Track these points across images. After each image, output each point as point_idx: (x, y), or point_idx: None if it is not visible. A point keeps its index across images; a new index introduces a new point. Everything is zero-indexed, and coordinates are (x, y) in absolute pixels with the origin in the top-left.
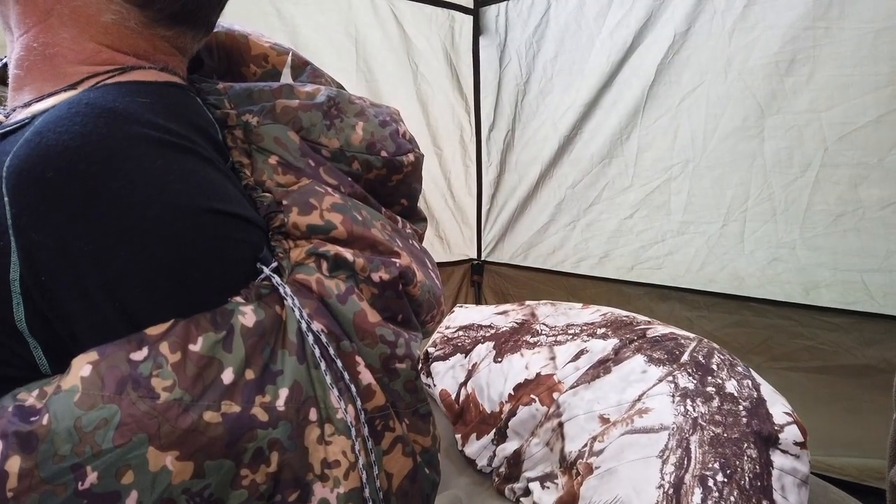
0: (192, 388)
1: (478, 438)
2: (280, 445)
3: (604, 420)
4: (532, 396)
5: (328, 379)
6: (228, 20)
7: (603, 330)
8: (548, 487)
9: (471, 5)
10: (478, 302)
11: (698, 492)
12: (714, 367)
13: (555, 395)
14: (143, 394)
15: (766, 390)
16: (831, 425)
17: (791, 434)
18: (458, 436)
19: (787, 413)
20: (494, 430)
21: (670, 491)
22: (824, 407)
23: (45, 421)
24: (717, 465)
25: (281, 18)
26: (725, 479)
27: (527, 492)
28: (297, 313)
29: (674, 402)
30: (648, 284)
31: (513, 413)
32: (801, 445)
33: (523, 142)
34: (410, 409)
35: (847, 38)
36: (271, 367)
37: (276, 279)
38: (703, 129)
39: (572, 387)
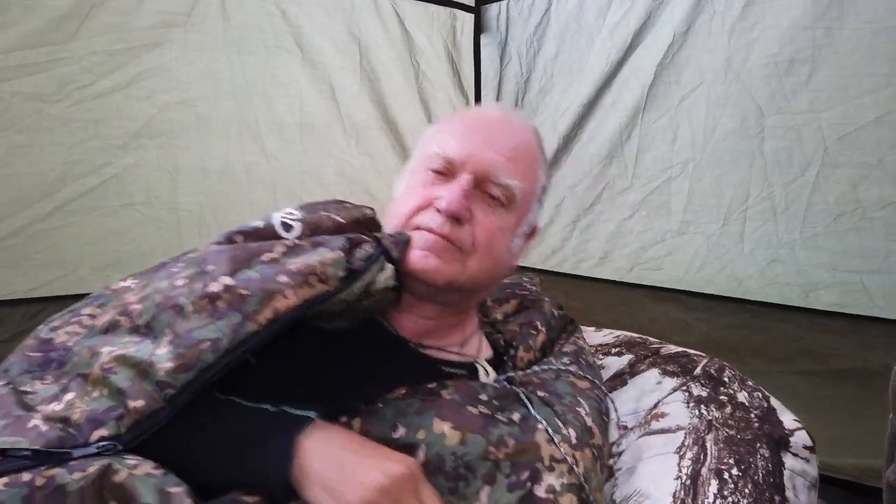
0: (464, 397)
1: None
2: (514, 436)
3: (621, 427)
4: None
5: (551, 413)
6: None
7: (617, 349)
8: None
9: (472, 3)
10: None
11: (714, 483)
12: (726, 379)
13: None
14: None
15: (775, 402)
16: (831, 426)
17: (801, 438)
18: None
19: (795, 420)
20: None
21: (688, 482)
22: (823, 408)
23: None
24: (731, 461)
25: (286, 20)
26: (740, 474)
27: None
28: (521, 392)
29: (689, 407)
30: (647, 286)
31: None
32: (811, 450)
33: None
34: (611, 457)
35: (846, 39)
36: (508, 406)
37: (515, 389)
38: (703, 129)
39: None
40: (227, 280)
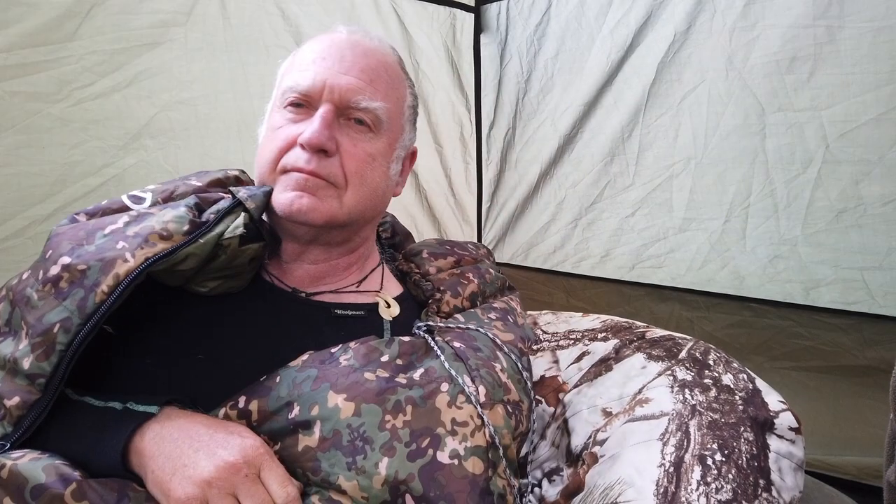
0: (361, 360)
1: None
2: (413, 401)
3: (606, 413)
4: (538, 398)
5: (463, 368)
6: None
7: (603, 334)
8: (554, 481)
9: (472, 3)
10: None
11: (698, 469)
12: (711, 362)
13: (560, 395)
14: (329, 358)
15: (761, 383)
16: (831, 425)
17: (786, 420)
18: None
19: (781, 402)
20: None
21: (671, 469)
22: (824, 406)
23: None
24: (715, 446)
25: (285, 19)
26: (724, 459)
27: (530, 488)
28: (434, 343)
29: (672, 391)
30: (648, 285)
31: None
32: (796, 431)
33: (524, 140)
34: (533, 413)
35: (847, 37)
36: (415, 362)
37: (425, 335)
38: (705, 126)
39: (576, 385)
40: (66, 259)
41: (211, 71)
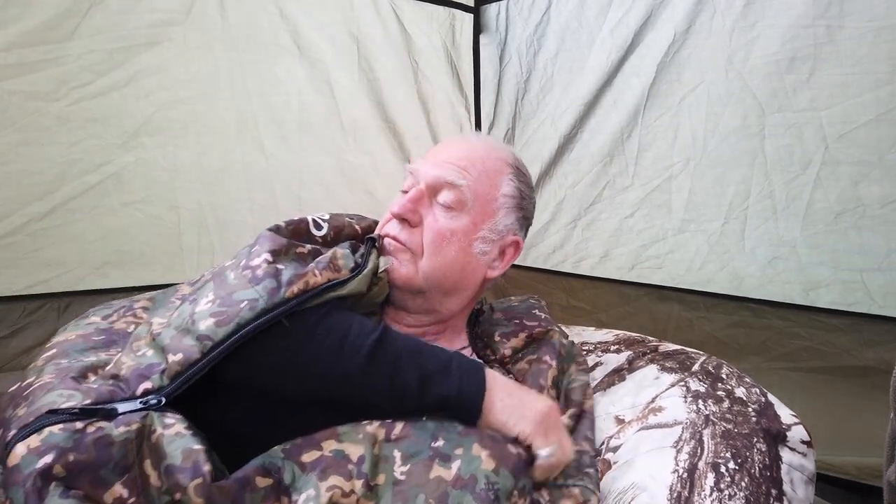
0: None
1: None
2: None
3: (619, 420)
4: None
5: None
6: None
7: (616, 346)
8: None
9: (471, 3)
10: None
11: (711, 476)
12: (723, 376)
13: None
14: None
15: (773, 398)
16: (831, 425)
17: (798, 433)
18: None
19: (793, 415)
20: None
21: (684, 475)
22: (824, 407)
23: None
24: (728, 455)
25: (283, 18)
26: (736, 467)
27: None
28: None
29: (686, 402)
30: (648, 285)
31: None
32: (808, 444)
33: (523, 140)
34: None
35: (847, 37)
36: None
37: None
38: (704, 127)
39: None
40: (268, 256)
41: (209, 70)
